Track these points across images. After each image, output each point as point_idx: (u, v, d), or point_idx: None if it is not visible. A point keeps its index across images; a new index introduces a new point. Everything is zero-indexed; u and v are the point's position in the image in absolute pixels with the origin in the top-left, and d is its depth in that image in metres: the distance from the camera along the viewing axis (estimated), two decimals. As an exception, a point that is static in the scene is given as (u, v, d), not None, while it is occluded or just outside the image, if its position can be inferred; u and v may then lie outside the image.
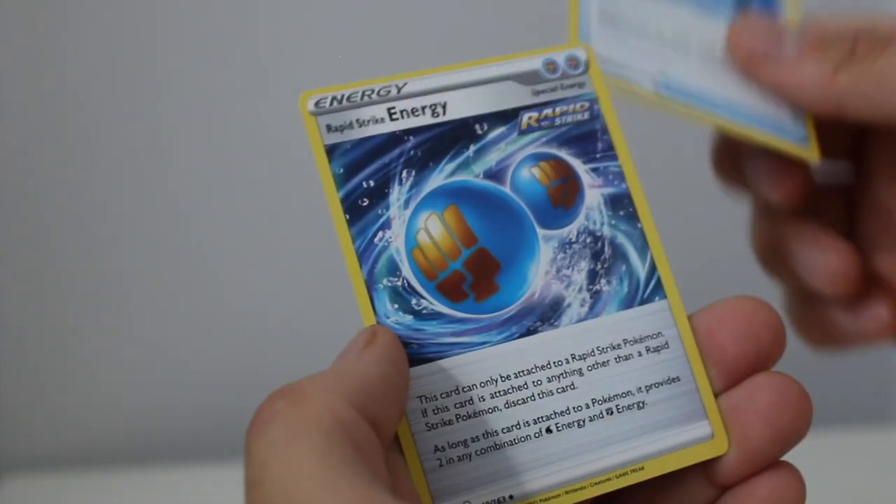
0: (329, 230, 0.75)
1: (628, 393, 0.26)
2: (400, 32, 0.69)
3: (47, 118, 0.70)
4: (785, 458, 0.27)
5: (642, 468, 0.26)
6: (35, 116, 0.70)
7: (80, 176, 0.71)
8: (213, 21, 0.68)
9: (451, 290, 0.26)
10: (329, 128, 0.27)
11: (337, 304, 0.74)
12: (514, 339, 0.26)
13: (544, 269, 0.27)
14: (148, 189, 0.71)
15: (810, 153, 0.33)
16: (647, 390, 0.26)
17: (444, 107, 0.28)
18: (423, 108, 0.28)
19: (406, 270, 0.26)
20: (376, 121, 0.27)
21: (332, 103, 0.27)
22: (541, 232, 0.27)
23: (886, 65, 0.30)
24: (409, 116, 0.27)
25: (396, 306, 0.26)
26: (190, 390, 0.74)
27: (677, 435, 0.26)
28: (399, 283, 0.26)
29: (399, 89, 0.28)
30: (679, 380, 0.26)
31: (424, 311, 0.26)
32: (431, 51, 0.69)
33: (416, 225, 0.26)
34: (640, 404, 0.26)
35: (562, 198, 0.27)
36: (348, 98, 0.27)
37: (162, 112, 0.70)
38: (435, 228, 0.26)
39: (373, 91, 0.27)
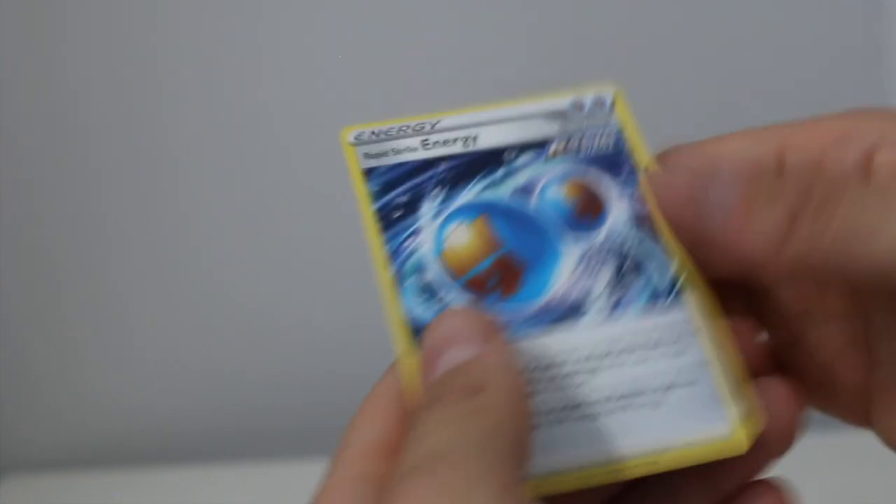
0: (334, 234, 0.75)
1: (645, 392, 0.26)
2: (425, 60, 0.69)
3: (48, 119, 0.70)
4: (786, 458, 0.28)
5: (655, 462, 0.26)
6: (36, 117, 0.70)
7: (81, 180, 0.71)
8: (214, 21, 0.68)
9: (477, 286, 0.27)
10: (367, 155, 0.29)
11: (338, 307, 0.74)
12: (535, 335, 0.27)
13: (568, 272, 0.28)
14: (148, 192, 0.71)
15: (736, 442, 0.26)
16: (665, 391, 0.26)
17: (474, 139, 0.29)
18: (455, 139, 0.29)
19: (434, 269, 0.27)
20: (411, 149, 0.29)
21: (370, 136, 0.29)
22: (566, 239, 0.28)
23: (854, 210, 0.24)
24: (441, 146, 0.29)
25: (423, 299, 0.27)
26: (189, 392, 0.74)
27: (694, 432, 0.26)
28: (427, 279, 0.27)
29: (433, 126, 0.30)
30: (697, 384, 0.27)
31: (450, 304, 0.27)
32: (463, 85, 0.69)
33: (446, 232, 0.28)
34: (657, 404, 0.26)
35: (587, 208, 0.28)
36: (385, 132, 0.29)
37: (161, 114, 0.70)
38: (463, 235, 0.28)
39: (408, 127, 0.29)
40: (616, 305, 0.27)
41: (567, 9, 0.68)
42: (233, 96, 0.70)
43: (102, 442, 0.75)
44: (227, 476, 0.69)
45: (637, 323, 0.27)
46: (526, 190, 0.28)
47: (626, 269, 0.28)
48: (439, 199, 0.28)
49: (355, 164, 0.28)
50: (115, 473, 0.71)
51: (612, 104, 0.30)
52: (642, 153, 0.29)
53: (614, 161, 0.29)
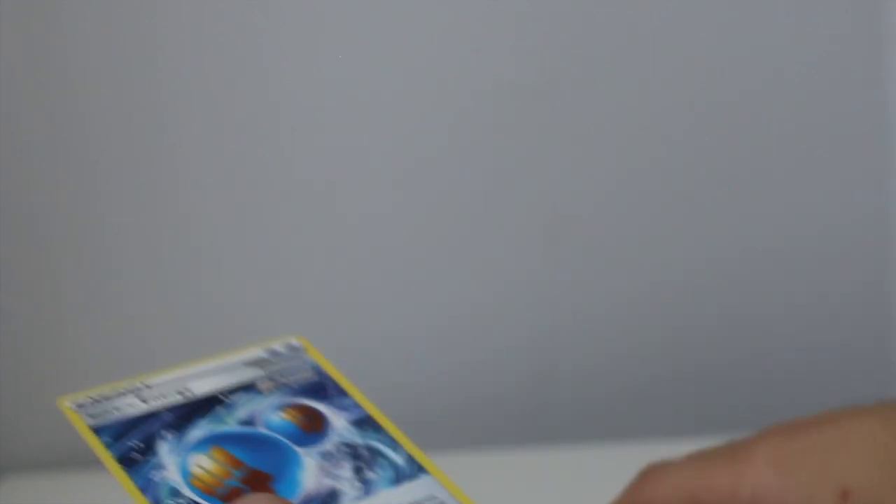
0: (334, 237, 0.75)
1: None
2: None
3: (49, 116, 0.70)
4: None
5: None
6: (36, 115, 0.70)
7: (81, 178, 0.71)
8: (215, 19, 0.68)
9: (233, 498, 0.29)
10: (91, 416, 0.31)
11: (337, 310, 0.74)
12: None
13: (313, 473, 0.30)
14: (149, 191, 0.71)
15: None
16: None
17: (190, 390, 0.32)
18: (171, 393, 0.32)
19: (187, 492, 0.29)
20: (131, 405, 0.31)
21: (89, 402, 0.32)
22: (301, 450, 0.31)
23: None
24: (160, 399, 0.32)
25: None
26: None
27: None
28: (185, 498, 0.29)
29: (146, 387, 0.32)
30: None
31: None
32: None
33: (188, 464, 0.30)
34: None
35: (311, 425, 0.31)
36: (103, 398, 0.32)
37: (162, 114, 0.70)
38: (205, 463, 0.30)
39: (124, 391, 0.32)
40: (367, 485, 0.30)
41: (563, 9, 0.68)
42: (234, 96, 0.70)
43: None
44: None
45: (392, 493, 0.30)
46: (250, 421, 0.31)
47: (365, 457, 0.30)
48: (172, 439, 0.30)
49: (82, 425, 0.31)
50: (115, 473, 0.71)
51: (304, 349, 0.33)
52: (345, 381, 0.32)
53: (320, 387, 0.32)
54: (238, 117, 0.70)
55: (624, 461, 0.40)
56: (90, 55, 0.69)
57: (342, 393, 0.32)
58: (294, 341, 0.34)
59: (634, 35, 0.69)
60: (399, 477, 0.30)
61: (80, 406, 0.32)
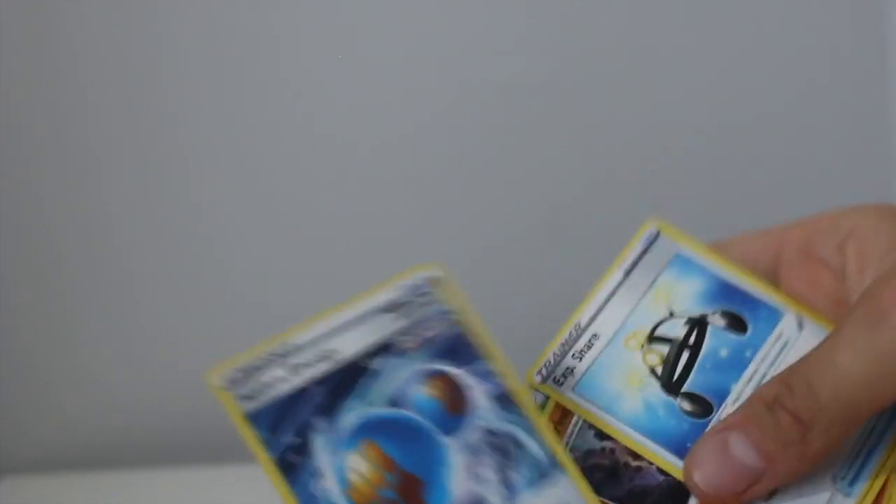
0: (338, 236, 0.75)
1: None
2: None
3: (53, 113, 0.70)
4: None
5: None
6: (40, 112, 0.70)
7: (83, 177, 0.71)
8: (220, 20, 0.69)
9: None
10: (243, 398, 0.30)
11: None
12: None
13: (460, 475, 0.30)
14: (151, 190, 0.71)
15: None
16: None
17: (334, 352, 0.31)
18: (318, 359, 0.31)
19: None
20: (281, 380, 0.31)
21: (237, 374, 0.31)
22: (447, 441, 0.30)
23: (831, 395, 0.30)
24: (307, 368, 0.31)
25: None
26: (191, 391, 0.74)
27: None
28: None
29: (291, 348, 0.31)
30: None
31: None
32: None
33: (343, 468, 0.30)
34: None
35: (455, 406, 0.31)
36: (251, 368, 0.31)
37: (167, 114, 0.70)
38: (359, 466, 0.30)
39: (269, 355, 0.31)
40: (510, 489, 0.30)
41: (565, 11, 0.68)
42: (239, 95, 0.70)
43: (103, 442, 0.75)
44: (227, 476, 0.69)
45: (532, 499, 0.30)
46: (397, 398, 0.31)
47: (505, 449, 0.30)
48: (326, 429, 0.30)
49: (236, 410, 0.30)
50: (115, 473, 0.71)
51: (437, 281, 0.33)
52: (482, 332, 0.33)
53: (456, 347, 0.32)
54: (244, 116, 0.70)
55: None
56: (95, 56, 0.69)
57: (481, 356, 0.32)
58: (431, 272, 0.34)
59: (636, 36, 0.69)
60: (540, 475, 0.30)
61: (231, 382, 0.31)
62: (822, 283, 0.34)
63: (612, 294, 0.34)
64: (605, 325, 0.34)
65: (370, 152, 0.71)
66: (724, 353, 0.33)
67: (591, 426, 0.32)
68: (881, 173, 0.71)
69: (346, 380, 0.31)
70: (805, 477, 0.31)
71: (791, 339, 0.33)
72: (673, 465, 0.31)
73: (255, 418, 0.30)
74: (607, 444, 0.32)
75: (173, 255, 0.72)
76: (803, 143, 0.70)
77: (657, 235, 0.36)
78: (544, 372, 0.34)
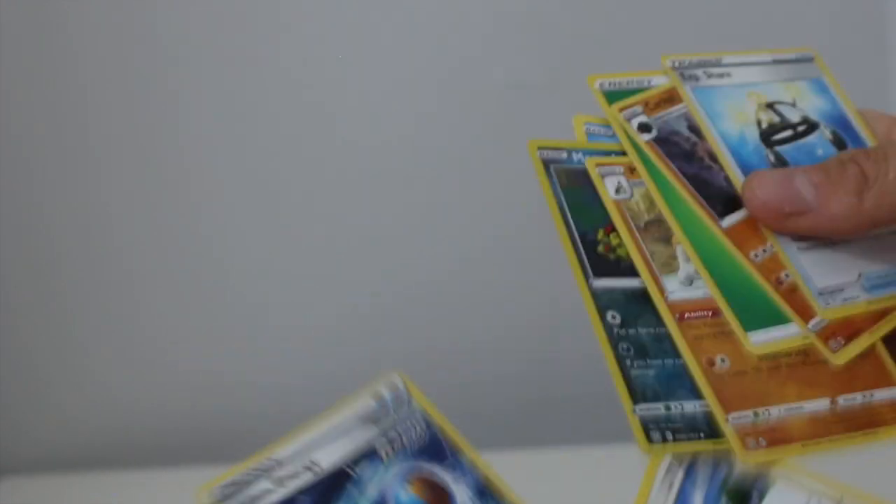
0: (337, 239, 0.74)
1: None
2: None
3: (56, 119, 0.70)
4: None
5: None
6: (43, 117, 0.70)
7: (83, 177, 0.71)
8: (222, 22, 0.69)
9: None
10: None
11: (340, 311, 0.74)
12: None
13: None
14: (151, 191, 0.71)
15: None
16: None
17: (316, 462, 0.33)
18: (302, 470, 0.33)
19: None
20: (269, 492, 0.32)
21: (226, 490, 0.33)
22: None
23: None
24: (292, 480, 0.33)
25: None
26: (190, 393, 0.74)
27: None
28: None
29: (276, 462, 0.33)
30: None
31: None
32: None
33: None
34: None
35: (438, 502, 0.33)
36: (239, 482, 0.33)
37: (167, 117, 0.70)
38: None
39: (255, 471, 0.33)
40: None
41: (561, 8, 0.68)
42: (238, 97, 0.70)
43: (103, 442, 0.75)
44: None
45: None
46: (381, 502, 0.32)
47: None
48: None
49: None
50: (115, 473, 0.71)
51: (407, 390, 0.35)
52: (451, 431, 0.34)
53: (434, 448, 0.34)
54: (244, 116, 0.70)
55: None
56: (95, 57, 0.69)
57: (455, 452, 0.34)
58: (396, 379, 0.35)
59: (636, 35, 0.69)
60: None
61: (221, 498, 0.33)
62: None
63: (756, 63, 0.38)
64: (739, 74, 0.37)
65: (370, 152, 0.71)
66: (819, 152, 0.36)
67: (688, 119, 0.36)
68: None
69: (332, 487, 0.33)
70: (841, 249, 0.33)
71: None
72: (738, 178, 0.34)
73: None
74: (694, 136, 0.35)
75: (173, 255, 0.72)
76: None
77: (811, 59, 0.39)
78: (677, 64, 0.38)
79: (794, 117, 0.37)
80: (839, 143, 0.36)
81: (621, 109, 0.37)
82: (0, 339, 0.73)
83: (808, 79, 0.39)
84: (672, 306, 0.33)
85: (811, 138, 0.36)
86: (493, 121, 0.69)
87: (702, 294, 0.33)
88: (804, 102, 0.38)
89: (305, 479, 0.33)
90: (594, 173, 0.36)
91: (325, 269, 0.72)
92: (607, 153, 0.37)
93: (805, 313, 0.32)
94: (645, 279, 0.33)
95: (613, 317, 0.33)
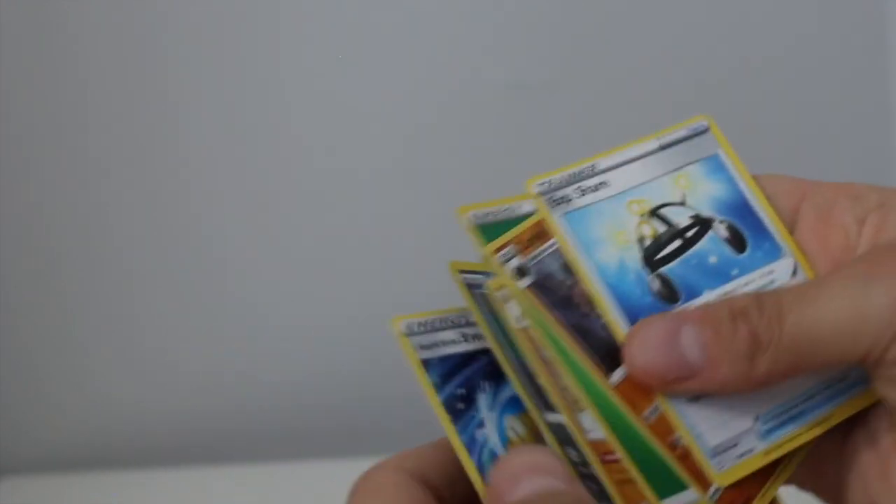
0: (337, 237, 0.75)
1: None
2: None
3: (55, 119, 0.70)
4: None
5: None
6: (42, 117, 0.70)
7: (83, 178, 0.71)
8: (223, 23, 0.68)
9: None
10: (421, 347, 0.32)
11: (340, 309, 0.74)
12: None
13: None
14: (154, 194, 0.71)
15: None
16: None
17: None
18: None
19: None
20: (454, 342, 0.32)
21: (418, 328, 0.32)
22: None
23: (796, 323, 0.29)
24: (476, 340, 0.33)
25: None
26: (190, 393, 0.74)
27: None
28: None
29: (466, 320, 0.33)
30: None
31: None
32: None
33: (503, 426, 0.31)
34: None
35: None
36: (430, 324, 0.32)
37: (167, 117, 0.70)
38: (517, 427, 0.31)
39: (447, 320, 0.33)
40: None
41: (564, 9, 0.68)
42: (239, 98, 0.70)
43: (103, 442, 0.75)
44: (227, 476, 0.69)
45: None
46: None
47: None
48: (490, 391, 0.32)
49: (414, 355, 0.32)
50: (115, 473, 0.71)
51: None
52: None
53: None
54: (244, 116, 0.70)
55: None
56: (95, 57, 0.69)
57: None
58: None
59: (636, 35, 0.69)
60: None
61: (409, 331, 0.32)
62: (830, 244, 0.33)
63: (639, 158, 0.34)
64: (619, 180, 0.34)
65: (370, 152, 0.71)
66: (712, 259, 0.33)
67: (562, 257, 0.32)
68: (881, 172, 0.71)
69: None
70: (734, 396, 0.30)
71: (779, 280, 0.32)
72: (618, 326, 0.31)
73: (428, 365, 0.31)
74: (570, 279, 0.32)
75: (173, 255, 0.72)
76: (804, 143, 0.70)
77: (705, 130, 0.36)
78: (544, 188, 0.33)
79: (682, 220, 0.33)
80: (737, 241, 0.33)
81: (497, 250, 0.32)
82: (0, 339, 0.73)
83: (702, 159, 0.35)
84: (594, 445, 0.29)
85: (703, 243, 0.33)
86: (492, 121, 0.69)
87: None
88: (696, 194, 0.34)
89: (484, 343, 0.32)
90: (494, 297, 0.31)
91: (325, 269, 0.72)
92: None
93: (702, 480, 0.30)
94: (563, 416, 0.30)
95: (570, 454, 0.30)
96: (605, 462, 0.29)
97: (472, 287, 0.33)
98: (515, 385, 0.31)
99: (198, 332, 0.73)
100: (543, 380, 0.30)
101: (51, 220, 0.72)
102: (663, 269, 0.32)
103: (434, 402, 0.31)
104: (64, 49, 0.68)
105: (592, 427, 0.30)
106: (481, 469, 0.30)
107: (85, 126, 0.70)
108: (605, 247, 0.32)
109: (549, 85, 0.69)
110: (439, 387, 0.31)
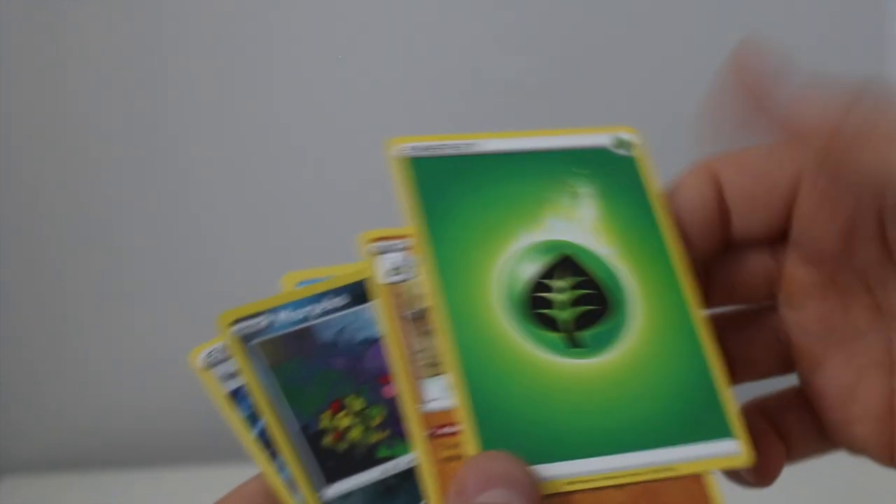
0: (336, 235, 0.75)
1: None
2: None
3: (51, 117, 0.70)
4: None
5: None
6: (38, 116, 0.70)
7: (81, 180, 0.71)
8: (220, 21, 0.69)
9: None
10: (227, 376, 0.31)
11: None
12: None
13: None
14: (151, 195, 0.71)
15: (743, 458, 0.28)
16: None
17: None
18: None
19: None
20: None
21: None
22: None
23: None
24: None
25: None
26: (190, 393, 0.74)
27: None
28: None
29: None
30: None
31: None
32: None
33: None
34: None
35: None
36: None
37: (164, 115, 0.70)
38: None
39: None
40: None
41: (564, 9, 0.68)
42: (237, 97, 0.70)
43: (102, 442, 0.75)
44: (227, 476, 0.69)
45: None
46: None
47: None
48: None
49: (218, 389, 0.30)
50: (115, 473, 0.71)
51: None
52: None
53: None
54: (246, 117, 0.70)
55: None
56: (94, 58, 0.69)
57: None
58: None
59: (635, 35, 0.69)
60: None
61: (211, 362, 0.30)
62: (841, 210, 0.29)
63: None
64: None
65: (369, 152, 0.71)
66: None
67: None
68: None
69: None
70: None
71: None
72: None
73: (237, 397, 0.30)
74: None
75: (173, 255, 0.72)
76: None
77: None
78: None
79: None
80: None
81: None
82: (0, 340, 0.73)
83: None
84: (427, 418, 0.26)
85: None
86: (492, 122, 0.69)
87: None
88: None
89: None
90: (366, 251, 0.30)
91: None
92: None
93: None
94: (399, 385, 0.27)
95: None
96: (435, 437, 0.26)
97: (245, 340, 0.29)
98: (291, 464, 0.28)
99: (198, 331, 0.73)
100: (391, 341, 0.27)
101: (50, 219, 0.72)
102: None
103: (247, 438, 0.29)
104: (62, 48, 0.68)
105: (438, 395, 0.27)
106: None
107: (84, 128, 0.70)
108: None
109: (548, 86, 0.69)
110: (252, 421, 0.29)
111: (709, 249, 0.30)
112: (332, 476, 0.27)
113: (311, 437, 0.28)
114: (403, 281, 0.29)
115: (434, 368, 0.27)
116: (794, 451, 0.31)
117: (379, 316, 0.28)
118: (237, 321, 0.30)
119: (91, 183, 0.71)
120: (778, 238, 0.30)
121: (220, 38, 0.69)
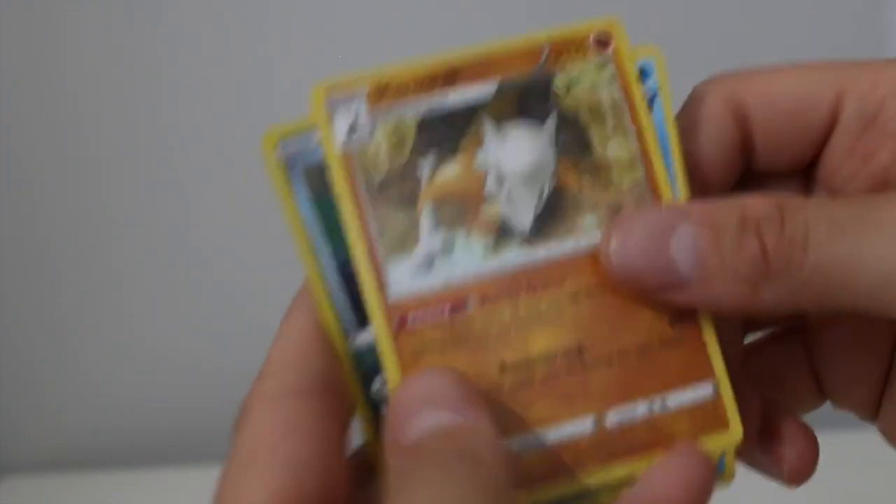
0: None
1: None
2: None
3: (48, 116, 0.70)
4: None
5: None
6: (36, 114, 0.70)
7: (80, 179, 0.71)
8: (218, 21, 0.69)
9: None
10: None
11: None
12: None
13: None
14: (150, 192, 0.71)
15: (730, 435, 0.25)
16: None
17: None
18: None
19: None
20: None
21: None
22: None
23: (828, 256, 0.22)
24: None
25: None
26: (189, 392, 0.74)
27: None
28: None
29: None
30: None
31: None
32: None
33: None
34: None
35: None
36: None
37: (160, 112, 0.70)
38: None
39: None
40: None
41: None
42: (233, 95, 0.70)
43: (102, 442, 0.75)
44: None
45: None
46: None
47: None
48: None
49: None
50: (115, 473, 0.71)
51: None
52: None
53: None
54: (245, 116, 0.70)
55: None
56: (94, 58, 0.69)
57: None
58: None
59: (637, 36, 0.69)
60: None
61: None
62: (874, 162, 0.26)
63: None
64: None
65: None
66: None
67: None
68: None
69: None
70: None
71: None
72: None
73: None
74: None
75: (172, 254, 0.72)
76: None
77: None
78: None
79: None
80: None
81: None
82: (0, 340, 0.73)
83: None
84: (393, 307, 0.24)
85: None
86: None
87: (442, 280, 0.24)
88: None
89: None
90: (320, 113, 0.25)
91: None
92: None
93: None
94: (359, 268, 0.24)
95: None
96: (402, 328, 0.24)
97: (291, 162, 0.26)
98: (321, 307, 0.25)
99: (198, 331, 0.73)
100: (347, 217, 0.24)
101: (49, 219, 0.72)
102: None
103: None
104: (61, 48, 0.68)
105: (404, 277, 0.24)
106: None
107: (83, 128, 0.70)
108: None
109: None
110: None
111: (723, 183, 0.27)
112: (366, 321, 0.25)
113: (347, 277, 0.25)
114: (362, 143, 0.25)
115: (401, 246, 0.24)
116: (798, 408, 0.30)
117: (335, 190, 0.25)
118: (285, 139, 0.25)
119: (91, 183, 0.71)
120: (801, 171, 0.28)
121: (221, 38, 0.69)
